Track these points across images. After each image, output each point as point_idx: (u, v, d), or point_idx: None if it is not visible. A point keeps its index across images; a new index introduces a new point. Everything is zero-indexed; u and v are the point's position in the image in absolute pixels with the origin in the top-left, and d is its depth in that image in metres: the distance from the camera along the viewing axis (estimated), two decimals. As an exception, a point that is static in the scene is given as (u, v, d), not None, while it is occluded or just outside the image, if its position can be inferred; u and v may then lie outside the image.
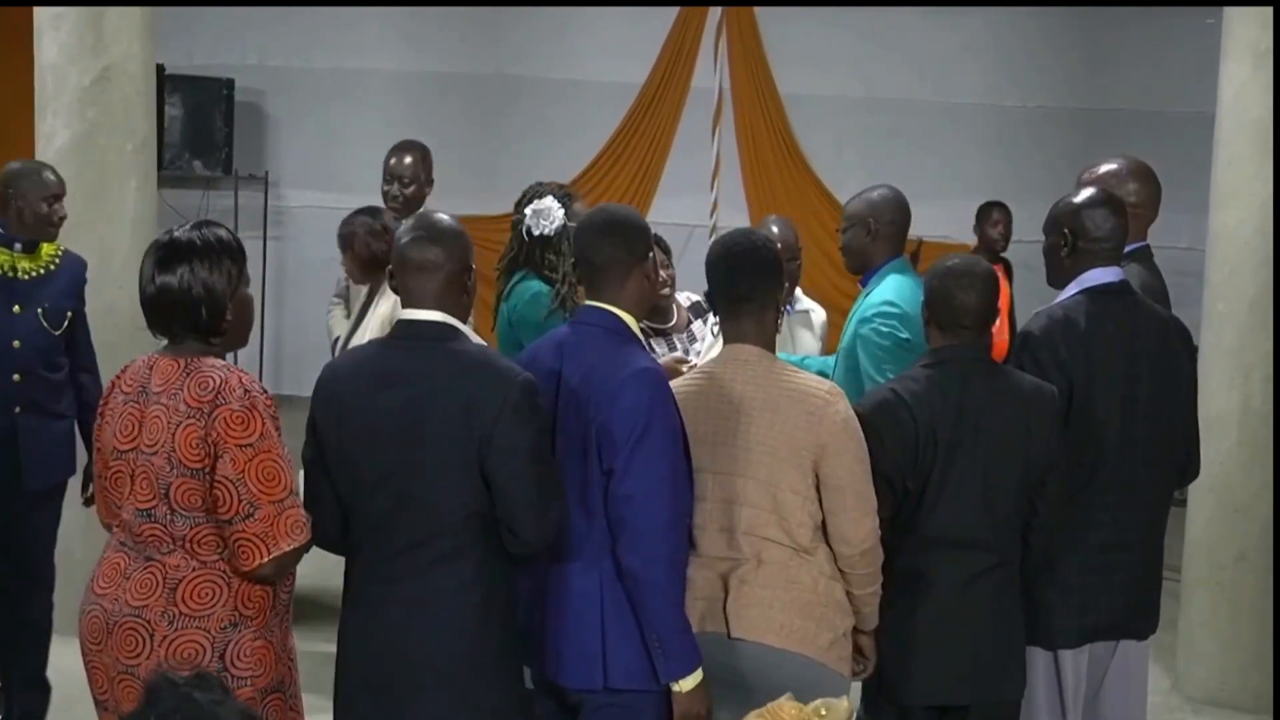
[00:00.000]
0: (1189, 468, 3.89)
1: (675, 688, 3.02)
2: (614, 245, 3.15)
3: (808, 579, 3.21)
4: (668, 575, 3.01)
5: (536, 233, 4.41)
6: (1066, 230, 3.73)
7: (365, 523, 3.01)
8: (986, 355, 3.56)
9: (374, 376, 3.00)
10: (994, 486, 3.45)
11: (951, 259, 3.60)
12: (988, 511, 3.46)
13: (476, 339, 3.08)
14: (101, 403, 3.13)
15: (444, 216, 3.09)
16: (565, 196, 4.45)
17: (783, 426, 3.19)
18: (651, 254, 3.21)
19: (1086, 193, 3.77)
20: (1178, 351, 3.77)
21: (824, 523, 3.25)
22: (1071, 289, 3.74)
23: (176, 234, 3.03)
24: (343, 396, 3.02)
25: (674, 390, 3.28)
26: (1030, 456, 3.47)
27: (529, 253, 4.44)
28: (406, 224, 3.09)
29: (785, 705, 2.64)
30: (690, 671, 3.02)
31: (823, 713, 2.77)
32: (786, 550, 3.20)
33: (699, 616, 3.18)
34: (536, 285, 4.39)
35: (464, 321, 3.07)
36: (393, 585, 2.97)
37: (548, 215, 4.39)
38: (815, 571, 3.22)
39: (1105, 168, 4.14)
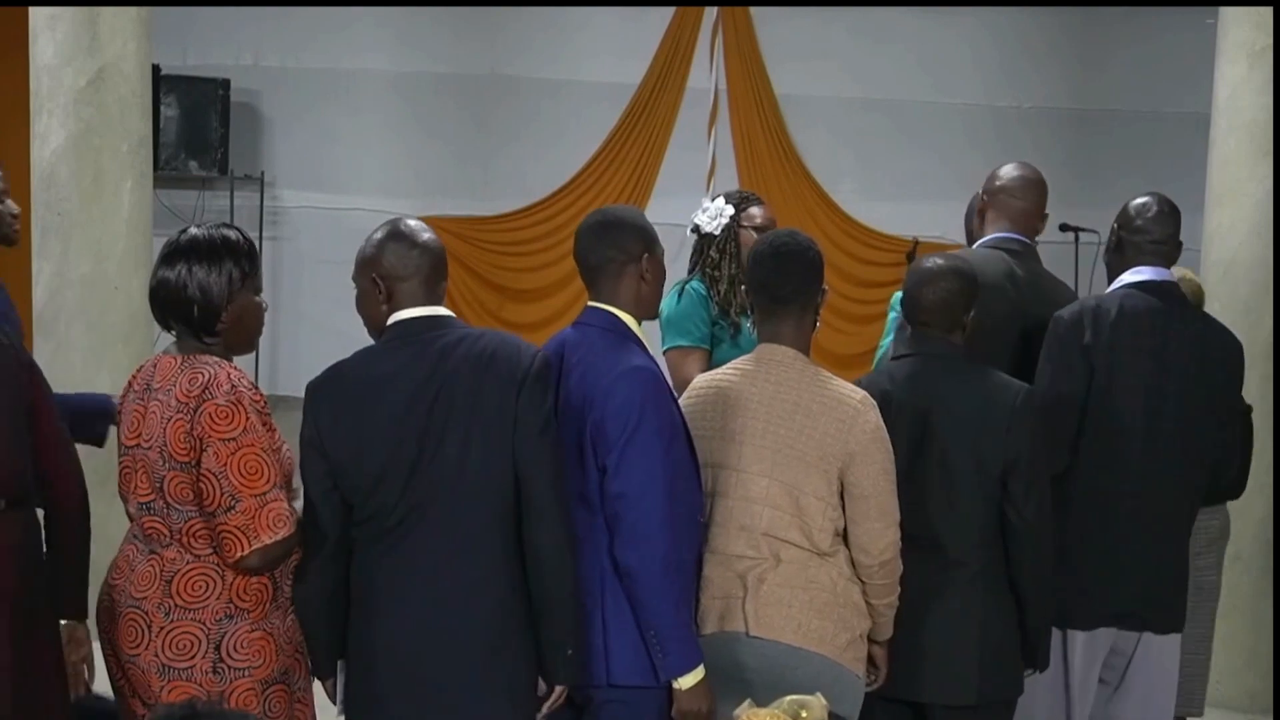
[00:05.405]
0: (1223, 479, 3.91)
1: (676, 685, 3.02)
2: (606, 245, 3.17)
3: (826, 579, 3.21)
4: (664, 572, 3.00)
5: (704, 230, 4.40)
6: (1116, 226, 3.83)
7: (377, 521, 2.97)
8: (954, 352, 3.53)
9: (381, 378, 2.97)
10: (954, 485, 3.44)
11: (928, 258, 3.61)
12: (949, 511, 3.44)
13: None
14: (119, 401, 3.18)
15: (412, 220, 3.10)
16: (743, 199, 4.44)
17: (812, 431, 3.19)
18: (648, 254, 3.20)
19: (1141, 196, 3.85)
20: (1214, 361, 3.77)
21: (845, 529, 3.25)
22: (1114, 285, 3.81)
23: (187, 232, 3.07)
24: (354, 399, 2.98)
25: (704, 384, 3.30)
26: (981, 455, 3.42)
27: (696, 250, 4.43)
28: (375, 234, 3.06)
29: (760, 713, 2.68)
30: (690, 669, 3.01)
31: (803, 715, 2.79)
32: (805, 552, 3.20)
33: (718, 615, 3.18)
34: (694, 283, 4.34)
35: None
36: (417, 581, 2.95)
37: (714, 212, 4.38)
38: (834, 572, 3.22)
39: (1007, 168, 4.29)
